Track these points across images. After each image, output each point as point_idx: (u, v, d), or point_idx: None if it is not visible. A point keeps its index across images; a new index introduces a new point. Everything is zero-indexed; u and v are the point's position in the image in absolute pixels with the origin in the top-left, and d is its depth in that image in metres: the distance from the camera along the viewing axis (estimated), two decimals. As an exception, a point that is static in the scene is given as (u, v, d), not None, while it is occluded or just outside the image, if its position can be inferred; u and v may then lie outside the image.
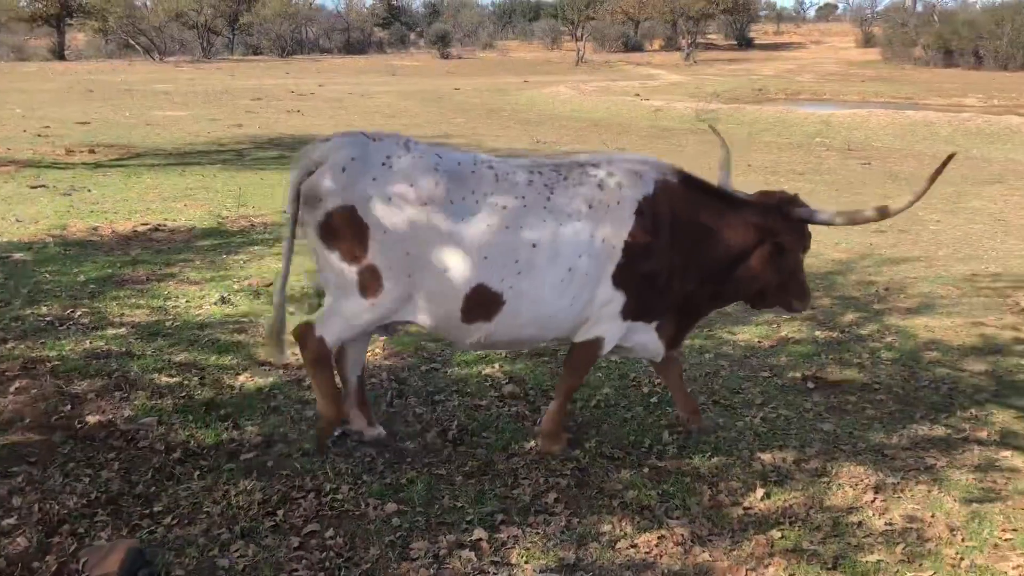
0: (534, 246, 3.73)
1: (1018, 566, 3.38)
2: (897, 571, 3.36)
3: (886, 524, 3.69)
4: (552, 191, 3.80)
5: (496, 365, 5.37)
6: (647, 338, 4.18)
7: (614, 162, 3.98)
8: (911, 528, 3.65)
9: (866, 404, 4.99)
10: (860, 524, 3.69)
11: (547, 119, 22.78)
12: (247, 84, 31.40)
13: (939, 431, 4.63)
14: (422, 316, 3.84)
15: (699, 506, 3.81)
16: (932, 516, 3.75)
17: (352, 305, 3.77)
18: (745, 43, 70.63)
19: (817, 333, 6.20)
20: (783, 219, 4.05)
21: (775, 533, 3.60)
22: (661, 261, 3.92)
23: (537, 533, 3.59)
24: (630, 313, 4.00)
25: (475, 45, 65.95)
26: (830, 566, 3.38)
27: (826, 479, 4.07)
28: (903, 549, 3.49)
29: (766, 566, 3.39)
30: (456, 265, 3.68)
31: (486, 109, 24.95)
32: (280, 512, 3.63)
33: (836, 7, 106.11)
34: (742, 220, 4.03)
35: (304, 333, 3.88)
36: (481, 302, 3.75)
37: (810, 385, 5.22)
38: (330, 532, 3.51)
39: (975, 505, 3.84)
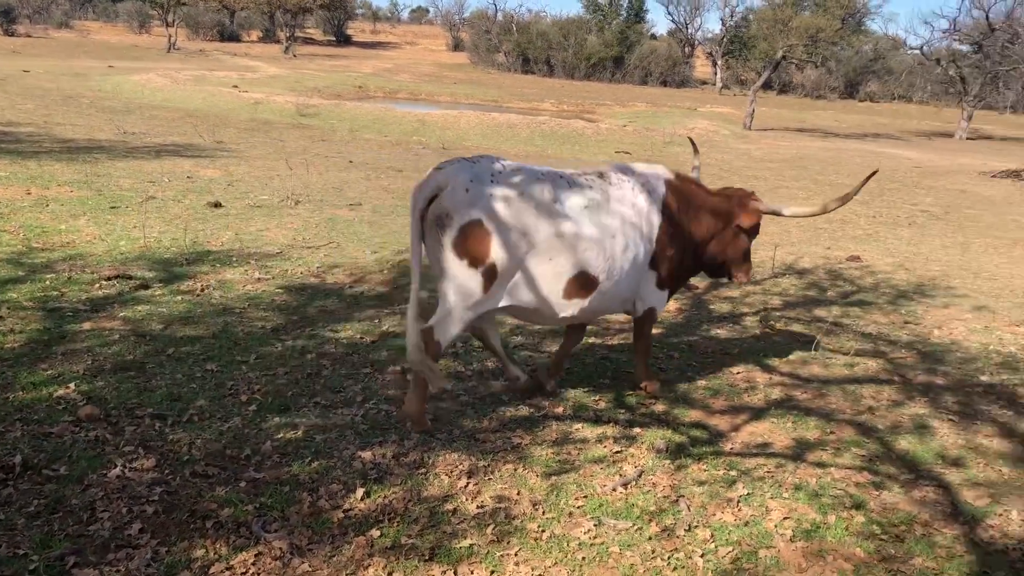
0: (613, 237, 4.62)
1: (588, 530, 3.73)
2: (488, 552, 3.53)
3: (478, 507, 3.86)
4: (609, 194, 4.70)
5: (71, 385, 4.76)
6: (660, 302, 5.21)
7: (635, 170, 4.95)
8: (500, 508, 3.86)
9: (461, 391, 5.22)
10: (455, 511, 3.82)
11: (135, 108, 21.02)
12: None
13: (524, 411, 4.97)
14: (524, 297, 4.54)
15: (299, 515, 3.69)
16: (518, 493, 4.01)
17: (472, 301, 4.43)
18: (343, 40, 71.48)
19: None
20: (744, 209, 5.17)
21: (375, 532, 3.59)
22: (676, 244, 4.98)
23: (118, 571, 3.22)
24: (662, 284, 5.06)
25: (48, 23, 58.95)
26: (427, 558, 3.46)
27: (424, 470, 4.17)
28: (493, 530, 3.68)
29: (366, 567, 3.37)
30: (562, 255, 4.49)
31: (62, 95, 22.35)
32: None
33: (427, 11, 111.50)
34: (719, 205, 5.17)
35: (427, 337, 4.44)
36: (583, 284, 4.60)
37: (409, 378, 5.33)
38: None
39: (554, 478, 4.18)
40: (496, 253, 4.33)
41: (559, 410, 5.02)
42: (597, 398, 5.26)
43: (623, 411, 5.08)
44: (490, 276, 4.36)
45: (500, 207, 4.32)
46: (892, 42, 54.54)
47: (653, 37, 74.23)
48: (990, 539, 3.87)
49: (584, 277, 4.58)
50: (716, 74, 62.23)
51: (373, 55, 62.01)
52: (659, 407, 5.18)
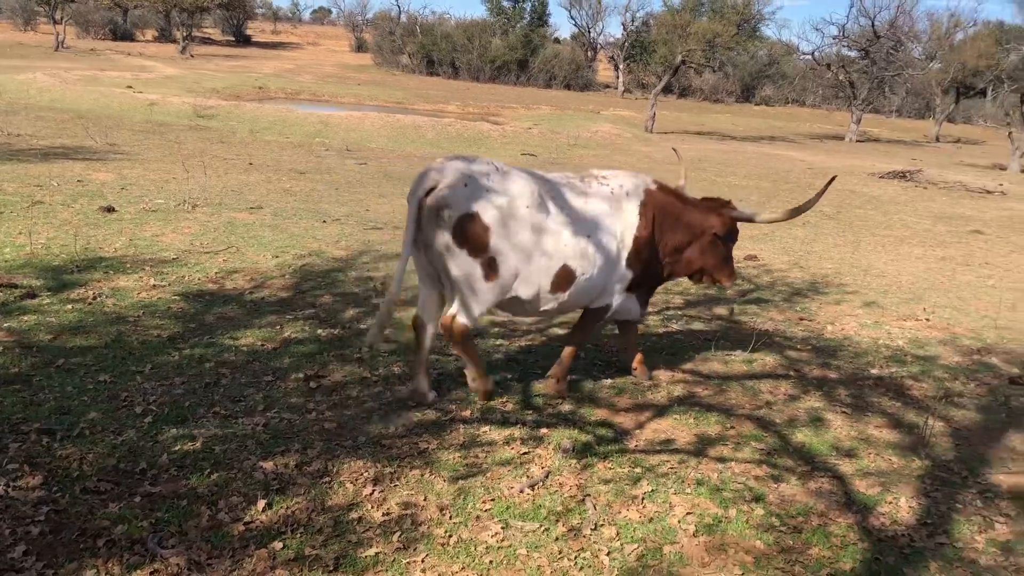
0: (589, 237, 4.91)
1: (496, 534, 3.72)
2: (394, 560, 3.48)
3: (384, 515, 3.81)
4: (592, 195, 5.06)
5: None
6: (632, 304, 5.50)
7: (621, 177, 5.28)
8: (406, 515, 3.82)
9: (366, 397, 5.14)
10: (360, 519, 3.76)
11: (20, 109, 20.06)
12: None
13: (431, 415, 4.94)
14: (521, 290, 4.84)
15: (197, 529, 3.57)
16: (425, 499, 3.97)
17: (480, 290, 4.71)
18: (243, 40, 69.86)
19: (320, 332, 6.26)
20: (719, 217, 5.43)
21: (277, 544, 3.50)
22: (651, 248, 5.25)
23: (0, 597, 3.05)
24: (631, 286, 5.33)
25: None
26: (332, 568, 3.39)
27: (328, 479, 4.09)
28: (399, 537, 3.64)
29: (268, 581, 3.28)
30: (549, 251, 4.79)
31: (-63, 95, 21.17)
32: None
33: (330, 11, 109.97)
34: (694, 217, 5.41)
35: (450, 325, 4.85)
36: (565, 278, 4.89)
37: (312, 385, 5.23)
38: None
39: (461, 482, 4.16)
40: (494, 245, 4.61)
41: (466, 413, 5.00)
42: (504, 400, 5.26)
43: (531, 412, 5.10)
44: (491, 266, 4.65)
45: (496, 203, 4.60)
46: (786, 48, 56.53)
47: (557, 41, 75.02)
48: (881, 526, 4.03)
49: (566, 273, 4.90)
50: (618, 78, 63.27)
51: (274, 55, 60.79)
52: (566, 407, 5.21)
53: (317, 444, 4.43)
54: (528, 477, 4.26)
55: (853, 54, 41.94)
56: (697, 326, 7.23)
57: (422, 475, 4.20)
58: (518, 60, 61.74)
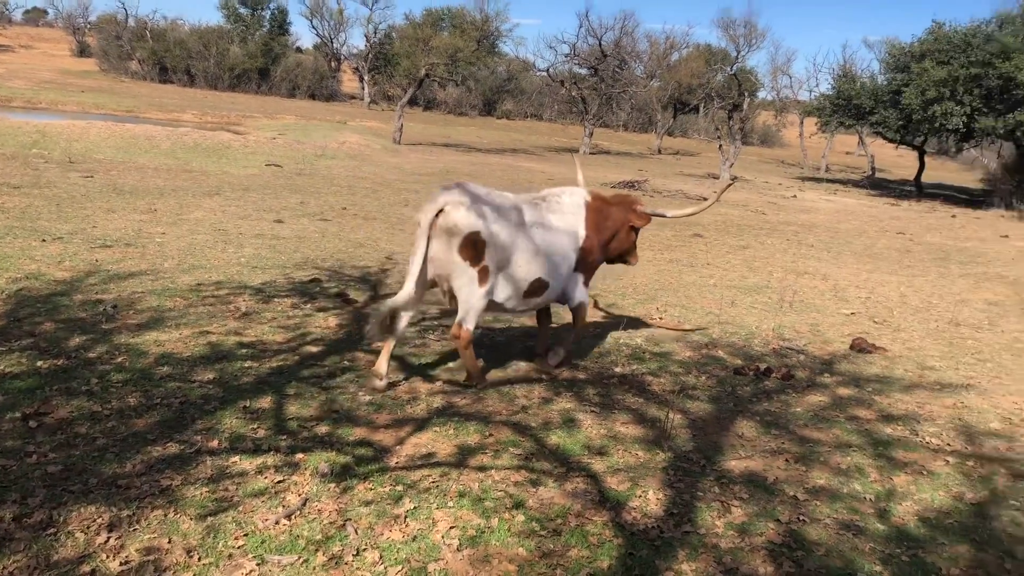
0: (556, 251, 6.08)
1: (251, 571, 3.48)
2: (135, 613, 3.16)
3: (122, 564, 3.44)
4: (553, 214, 6.19)
5: None
6: (585, 296, 6.65)
7: (565, 192, 6.49)
8: (148, 561, 3.48)
9: (98, 434, 4.67)
10: (94, 572, 3.37)
11: None
12: None
13: (173, 448, 4.56)
14: (501, 295, 5.79)
15: None
16: (170, 542, 3.64)
17: (476, 295, 5.61)
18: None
19: (40, 363, 5.62)
20: (633, 212, 6.79)
21: (-9, 613, 3.06)
22: (594, 249, 6.49)
23: None
24: (586, 282, 6.60)
25: None
26: (60, 632, 3.01)
27: (53, 529, 3.64)
28: (141, 587, 3.30)
29: (-19, 658, 2.85)
30: (528, 263, 5.81)
31: None
32: None
33: (46, 12, 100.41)
34: (617, 213, 6.69)
35: (459, 333, 5.73)
36: (539, 286, 5.98)
37: (32, 424, 4.67)
38: None
39: (210, 519, 3.86)
40: (488, 258, 5.55)
41: (213, 444, 4.67)
42: (256, 426, 4.97)
43: (284, 437, 4.85)
44: (484, 275, 5.58)
45: (491, 222, 5.54)
46: (523, 64, 58.82)
47: (299, 50, 73.51)
48: (633, 521, 4.22)
49: (539, 281, 5.98)
50: (364, 89, 63.00)
51: (-23, 57, 54.55)
52: (322, 428, 5.02)
53: (39, 491, 3.94)
54: (284, 507, 4.04)
55: (584, 71, 44.54)
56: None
57: (165, 515, 3.86)
58: (259, 68, 59.80)
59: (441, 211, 5.42)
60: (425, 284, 5.69)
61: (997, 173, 37.29)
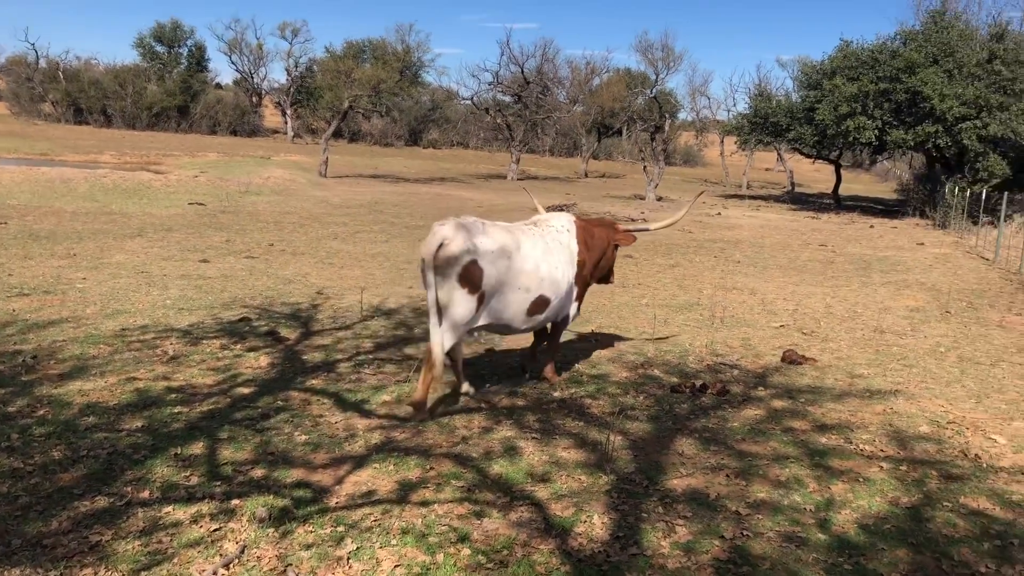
0: (556, 268, 6.54)
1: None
2: None
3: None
4: (549, 237, 6.65)
5: None
6: (575, 310, 7.20)
7: (552, 216, 7.01)
8: (79, 623, 3.32)
9: (20, 492, 4.46)
10: (20, 640, 3.20)
11: None
12: None
13: (102, 502, 4.38)
14: (503, 315, 6.28)
15: None
16: (101, 601, 3.49)
17: (468, 317, 6.01)
18: None
19: (-46, 421, 5.36)
20: (616, 232, 7.37)
21: None
22: (585, 267, 6.97)
23: None
24: (579, 297, 7.11)
25: None
26: None
27: (-25, 598, 3.46)
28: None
29: None
30: (528, 285, 6.30)
31: None
32: None
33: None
34: (601, 233, 7.23)
35: (436, 347, 5.97)
36: (541, 304, 6.46)
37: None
38: None
39: (144, 573, 3.71)
40: (486, 283, 5.98)
41: (144, 494, 4.50)
42: (188, 473, 4.81)
43: (219, 483, 4.71)
44: (480, 299, 6.00)
45: (487, 251, 5.96)
46: (447, 93, 59.19)
47: (219, 86, 72.61)
48: (580, 547, 4.19)
49: (542, 300, 6.44)
50: (287, 123, 62.46)
51: None
52: (258, 472, 4.88)
53: (-43, 558, 3.74)
54: (221, 555, 3.91)
55: (508, 99, 44.96)
56: (390, 368, 7.19)
57: (96, 573, 3.69)
58: (178, 106, 58.87)
59: (441, 245, 5.81)
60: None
61: (910, 183, 38.85)
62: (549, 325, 7.12)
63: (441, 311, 5.97)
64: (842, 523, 4.62)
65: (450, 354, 6.19)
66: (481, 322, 6.18)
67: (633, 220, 20.97)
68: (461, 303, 5.92)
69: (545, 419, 6.11)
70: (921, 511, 4.81)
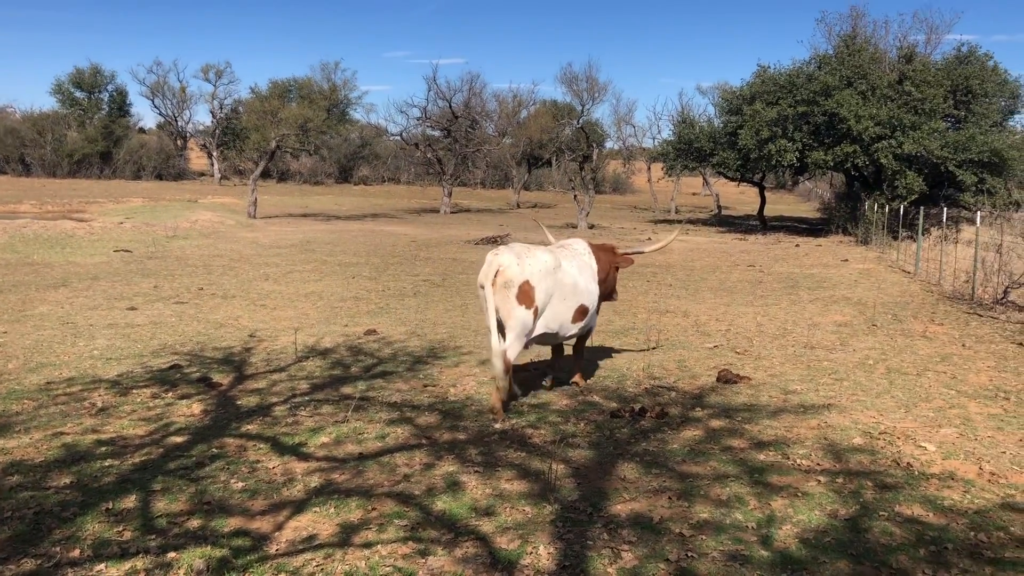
0: (589, 282, 7.77)
1: None
2: None
3: None
4: (578, 256, 7.85)
5: None
6: (595, 321, 8.22)
7: (571, 241, 8.24)
8: None
9: (-59, 560, 4.25)
10: None
11: None
12: None
13: (28, 565, 4.20)
14: (555, 325, 7.38)
15: None
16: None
17: (528, 329, 7.09)
18: None
19: None
20: (616, 256, 8.37)
21: None
22: (604, 279, 8.10)
23: None
24: (596, 308, 8.06)
25: None
26: None
27: None
28: None
29: None
30: (570, 296, 7.44)
31: None
32: None
33: None
34: (605, 256, 8.21)
35: (503, 357, 6.91)
36: (582, 312, 7.61)
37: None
38: None
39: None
40: (539, 299, 7.04)
41: (75, 553, 4.33)
42: (121, 528, 4.65)
43: (154, 536, 4.56)
44: (535, 312, 7.06)
45: (536, 272, 7.05)
46: (375, 130, 59.04)
47: (142, 131, 71.42)
48: (526, 578, 4.17)
49: (583, 308, 7.58)
50: (213, 165, 61.65)
51: None
52: (194, 522, 4.74)
53: None
54: (158, 612, 3.77)
55: (437, 133, 45.12)
56: (327, 409, 7.08)
57: (24, 640, 3.53)
58: (100, 152, 57.66)
59: (498, 272, 6.90)
60: (502, 329, 7.00)
61: (831, 202, 40.07)
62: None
63: (503, 327, 6.94)
64: (784, 538, 4.68)
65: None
66: (537, 332, 7.20)
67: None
68: (521, 318, 6.95)
69: (487, 451, 6.08)
70: (859, 522, 4.91)
